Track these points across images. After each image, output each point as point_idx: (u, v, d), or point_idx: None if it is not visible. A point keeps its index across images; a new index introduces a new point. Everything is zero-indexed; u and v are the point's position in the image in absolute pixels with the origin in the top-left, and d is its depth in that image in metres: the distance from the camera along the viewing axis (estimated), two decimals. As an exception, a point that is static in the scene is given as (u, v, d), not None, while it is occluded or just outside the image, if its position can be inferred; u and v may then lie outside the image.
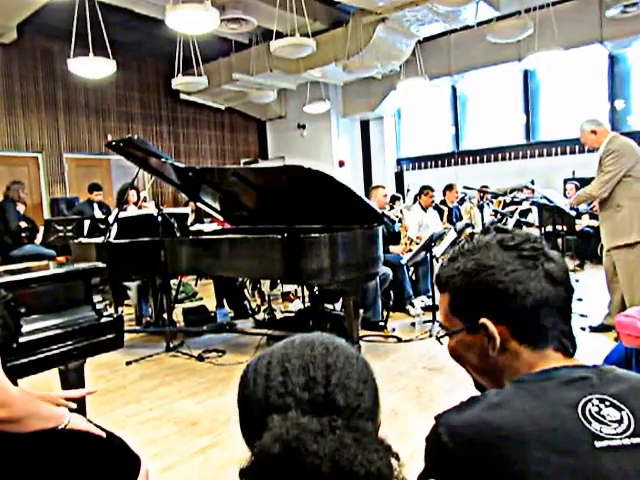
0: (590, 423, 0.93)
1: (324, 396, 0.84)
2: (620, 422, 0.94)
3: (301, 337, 0.95)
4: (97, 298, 2.83)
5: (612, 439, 0.92)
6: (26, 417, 1.53)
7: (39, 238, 8.17)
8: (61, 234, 7.60)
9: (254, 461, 0.80)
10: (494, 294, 1.08)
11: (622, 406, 0.96)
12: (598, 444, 0.91)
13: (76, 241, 5.80)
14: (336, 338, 0.96)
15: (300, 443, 0.76)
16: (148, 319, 6.16)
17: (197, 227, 7.16)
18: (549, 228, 7.56)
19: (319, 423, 0.78)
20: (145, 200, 7.18)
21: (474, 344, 1.12)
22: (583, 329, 5.22)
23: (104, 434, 1.76)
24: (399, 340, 5.26)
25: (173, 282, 6.50)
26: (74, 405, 1.86)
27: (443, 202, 8.48)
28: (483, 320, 1.09)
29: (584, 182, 8.46)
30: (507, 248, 1.09)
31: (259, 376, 0.89)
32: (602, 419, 0.94)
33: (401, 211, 6.92)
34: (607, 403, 0.96)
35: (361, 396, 0.87)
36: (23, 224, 8.16)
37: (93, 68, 7.67)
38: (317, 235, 4.33)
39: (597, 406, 0.95)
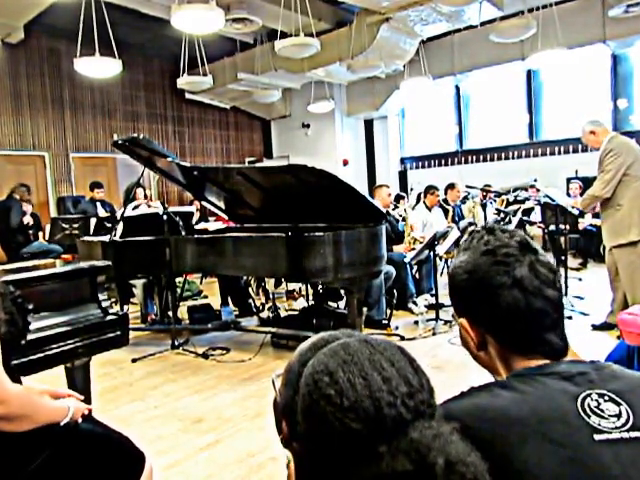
0: (589, 417, 0.94)
1: (423, 402, 0.83)
2: (619, 416, 0.95)
3: (366, 339, 0.90)
4: (102, 296, 2.85)
5: (611, 433, 0.93)
6: (22, 416, 1.52)
7: (46, 236, 8.22)
8: (67, 232, 7.65)
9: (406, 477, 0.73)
10: (469, 298, 1.12)
11: (620, 401, 0.97)
12: (597, 437, 0.92)
13: (82, 239, 5.83)
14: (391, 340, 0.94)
15: (452, 452, 0.74)
16: (153, 317, 6.20)
17: (202, 226, 7.17)
18: (552, 227, 7.57)
19: (444, 430, 0.77)
20: (151, 199, 7.20)
21: (466, 337, 1.16)
22: (569, 318, 5.26)
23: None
24: (402, 338, 5.27)
25: (178, 280, 6.52)
26: (81, 397, 1.89)
27: (445, 201, 8.49)
28: (461, 320, 1.15)
29: (587, 181, 8.48)
30: (485, 252, 1.10)
31: (357, 385, 0.81)
32: (601, 413, 0.95)
33: (405, 210, 6.94)
34: (606, 398, 0.97)
35: (434, 395, 0.87)
36: (27, 219, 8.22)
37: (99, 68, 7.70)
38: (321, 234, 4.36)
39: (596, 400, 0.97)
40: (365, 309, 5.51)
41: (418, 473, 0.72)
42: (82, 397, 1.89)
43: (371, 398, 0.80)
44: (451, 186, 8.59)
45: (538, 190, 8.88)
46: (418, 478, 0.72)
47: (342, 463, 0.80)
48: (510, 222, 7.24)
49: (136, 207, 6.59)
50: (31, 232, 8.29)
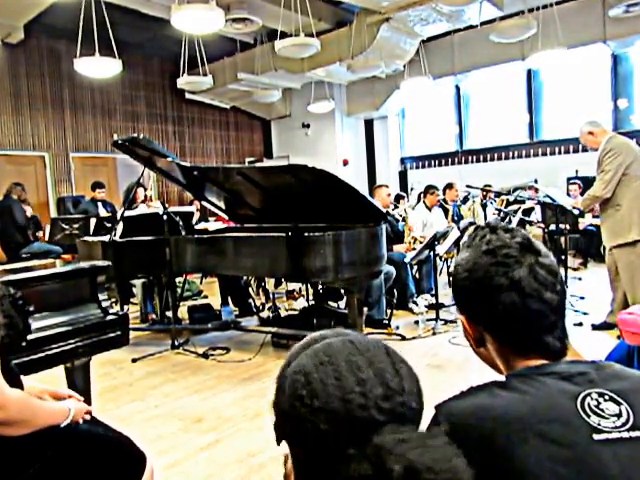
0: (589, 416, 0.94)
1: (402, 405, 0.81)
2: (619, 416, 0.95)
3: (351, 340, 0.89)
4: (103, 296, 2.85)
5: (610, 432, 0.93)
6: (21, 421, 1.52)
7: (46, 236, 8.22)
8: (67, 232, 7.65)
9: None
10: (468, 296, 1.13)
11: (621, 400, 0.97)
12: (596, 437, 0.93)
13: (82, 239, 5.83)
14: (377, 338, 0.93)
15: (417, 459, 0.70)
16: (153, 317, 6.19)
17: (202, 225, 7.18)
18: (552, 227, 7.57)
19: (418, 435, 0.75)
20: (151, 199, 7.19)
21: (466, 334, 1.17)
22: (580, 324, 5.25)
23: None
24: (403, 338, 5.27)
25: (178, 280, 6.52)
26: (81, 398, 1.89)
27: (444, 201, 8.50)
28: (460, 316, 1.16)
29: (587, 181, 8.48)
30: (486, 252, 1.10)
31: (329, 386, 0.81)
32: (601, 413, 0.95)
33: (405, 210, 6.94)
34: (606, 397, 0.97)
35: (421, 399, 0.85)
36: (29, 213, 8.23)
37: (99, 68, 7.70)
38: (321, 234, 4.35)
39: (596, 400, 0.97)
40: (365, 309, 5.51)
41: (377, 478, 0.71)
42: (82, 398, 1.89)
43: (342, 400, 0.79)
44: (449, 186, 8.60)
45: (537, 190, 8.90)
46: None
47: (319, 464, 0.79)
48: (510, 222, 7.24)
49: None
50: (30, 232, 8.28)
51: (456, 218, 8.23)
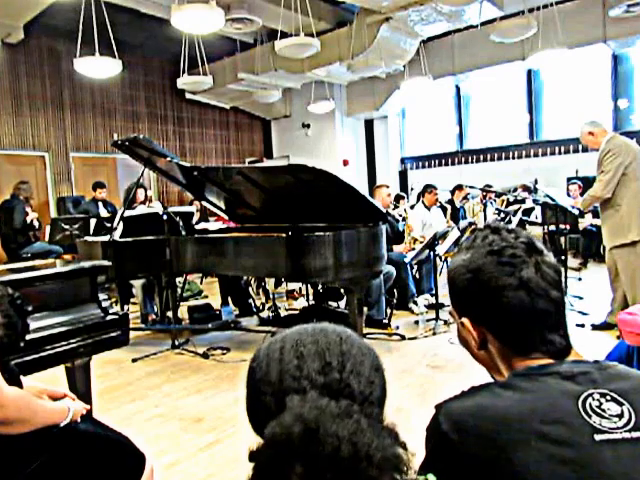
0: (590, 417, 0.94)
1: (339, 381, 0.84)
2: (621, 416, 0.95)
3: (313, 325, 0.95)
4: (103, 296, 2.85)
5: (612, 432, 0.93)
6: (19, 420, 1.53)
7: (46, 237, 8.21)
8: (67, 233, 7.64)
9: (270, 441, 0.78)
10: (472, 297, 1.12)
11: (623, 401, 0.97)
12: (598, 437, 0.93)
13: (82, 239, 5.83)
14: (347, 328, 0.96)
15: (320, 423, 0.74)
16: (154, 317, 6.19)
17: (202, 226, 7.18)
18: (552, 227, 7.57)
19: (337, 406, 0.78)
20: (151, 200, 7.19)
21: (467, 336, 1.16)
22: (582, 325, 5.24)
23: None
24: (403, 338, 5.27)
25: (179, 280, 6.52)
26: (75, 397, 1.89)
27: (451, 201, 8.49)
28: (463, 319, 1.15)
29: (587, 181, 8.48)
30: (491, 252, 1.10)
31: (272, 360, 0.90)
32: (602, 413, 0.95)
33: (405, 210, 6.94)
34: (608, 397, 0.97)
35: (373, 384, 0.88)
36: (30, 216, 8.21)
37: (99, 68, 7.68)
38: (321, 234, 4.35)
39: (598, 400, 0.97)
40: (365, 309, 5.51)
41: (282, 438, 0.76)
42: (75, 397, 1.89)
43: (280, 371, 0.87)
44: (459, 187, 8.61)
45: (531, 191, 8.90)
46: (282, 444, 0.76)
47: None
48: (510, 222, 7.24)
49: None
50: (31, 233, 8.27)
51: (460, 218, 8.23)
